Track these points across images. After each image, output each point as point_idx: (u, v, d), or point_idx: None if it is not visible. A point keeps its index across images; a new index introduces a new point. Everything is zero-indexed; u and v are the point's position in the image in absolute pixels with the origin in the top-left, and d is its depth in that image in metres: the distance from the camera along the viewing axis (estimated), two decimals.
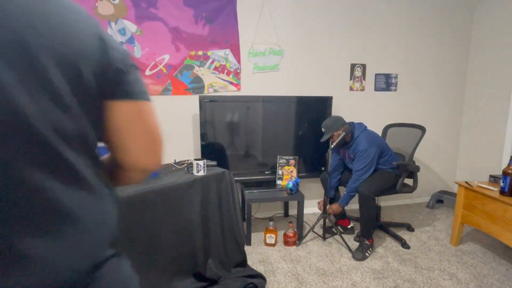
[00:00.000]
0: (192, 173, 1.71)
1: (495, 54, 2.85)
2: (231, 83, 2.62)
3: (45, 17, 0.45)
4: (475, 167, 3.10)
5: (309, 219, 2.79)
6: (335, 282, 1.81)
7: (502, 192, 1.90)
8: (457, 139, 3.27)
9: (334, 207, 2.26)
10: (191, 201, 1.61)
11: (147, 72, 2.44)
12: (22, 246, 0.44)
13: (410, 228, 2.55)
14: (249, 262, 1.95)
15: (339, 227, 2.46)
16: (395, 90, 3.01)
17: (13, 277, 0.44)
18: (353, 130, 2.21)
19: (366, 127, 2.28)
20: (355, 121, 2.32)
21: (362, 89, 2.93)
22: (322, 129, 2.23)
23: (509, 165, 1.87)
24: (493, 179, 2.17)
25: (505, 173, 1.88)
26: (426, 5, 2.94)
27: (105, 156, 0.63)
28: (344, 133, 2.14)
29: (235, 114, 2.47)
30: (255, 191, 2.40)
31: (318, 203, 2.37)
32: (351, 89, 2.91)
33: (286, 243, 2.28)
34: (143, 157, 0.59)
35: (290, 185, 2.32)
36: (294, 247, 2.26)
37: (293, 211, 2.92)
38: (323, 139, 2.20)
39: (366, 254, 2.10)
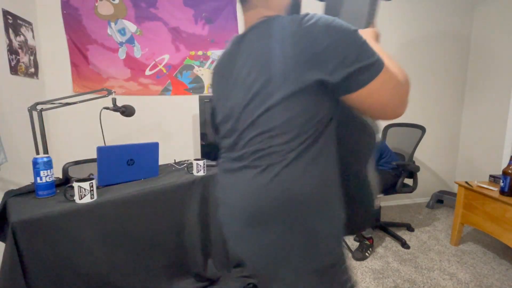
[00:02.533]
0: (192, 173, 1.71)
1: (495, 54, 2.85)
2: None
3: None
4: (475, 167, 3.10)
5: None
6: None
7: (502, 192, 1.90)
8: (457, 139, 3.27)
9: None
10: (191, 201, 1.61)
11: (147, 72, 2.44)
12: None
13: (410, 228, 2.55)
14: None
15: None
16: None
17: None
18: None
19: None
20: None
21: None
22: None
23: (509, 165, 1.87)
24: (493, 179, 2.17)
25: (505, 173, 1.88)
26: (426, 5, 2.94)
27: None
28: None
29: None
30: None
31: None
32: None
33: None
34: (389, 114, 0.63)
35: None
36: None
37: None
38: None
39: (366, 254, 2.10)
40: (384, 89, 0.59)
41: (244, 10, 0.72)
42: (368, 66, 0.57)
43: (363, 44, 0.58)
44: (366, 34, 0.71)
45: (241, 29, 2.56)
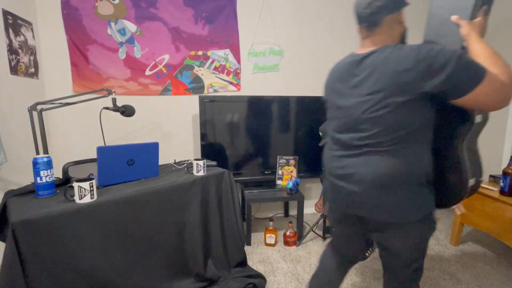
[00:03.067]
0: (192, 173, 1.71)
1: None
2: (231, 83, 2.62)
3: None
4: None
5: (309, 219, 2.79)
6: None
7: (502, 192, 1.90)
8: None
9: None
10: (191, 201, 1.61)
11: (147, 72, 2.44)
12: None
13: None
14: (249, 262, 1.95)
15: None
16: None
17: None
18: None
19: None
20: None
21: None
22: (320, 133, 2.23)
23: (509, 165, 1.87)
24: (493, 179, 2.17)
25: (505, 173, 1.88)
26: (426, 5, 2.94)
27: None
28: None
29: (235, 114, 2.46)
30: (255, 191, 2.40)
31: (316, 204, 2.36)
32: None
33: (286, 243, 2.28)
34: (494, 108, 0.83)
35: (290, 185, 2.32)
36: (294, 247, 2.26)
37: (293, 211, 2.91)
38: (321, 143, 2.21)
39: (366, 254, 2.10)
40: (486, 93, 0.79)
41: (367, 34, 0.99)
42: (470, 79, 0.79)
43: (466, 63, 0.79)
44: (471, 27, 0.92)
45: (241, 29, 2.56)
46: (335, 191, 1.06)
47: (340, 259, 1.27)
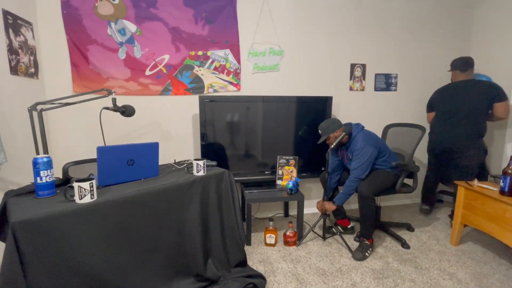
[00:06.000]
0: (192, 173, 1.71)
1: (495, 53, 2.85)
2: (231, 83, 2.62)
3: None
4: None
5: (309, 219, 2.79)
6: (335, 282, 1.81)
7: (502, 192, 1.90)
8: None
9: (328, 205, 2.25)
10: (191, 201, 1.61)
11: (147, 72, 2.44)
12: None
13: (410, 228, 2.55)
14: (249, 262, 1.95)
15: (339, 227, 2.46)
16: (395, 90, 3.01)
17: None
18: (351, 131, 2.21)
19: (363, 127, 2.27)
20: (354, 122, 2.32)
21: (362, 89, 2.93)
22: (319, 131, 2.24)
23: (509, 165, 1.87)
24: (493, 179, 2.17)
25: (505, 173, 1.88)
26: (426, 5, 2.94)
27: None
28: (344, 133, 2.14)
29: (235, 114, 2.46)
30: (255, 191, 2.40)
31: (318, 203, 2.36)
32: (351, 89, 2.91)
33: (286, 243, 2.28)
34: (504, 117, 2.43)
35: (290, 185, 2.32)
36: (294, 247, 2.26)
37: (293, 211, 2.92)
38: (320, 141, 2.21)
39: (366, 254, 2.10)
40: (503, 109, 2.39)
41: (458, 73, 2.54)
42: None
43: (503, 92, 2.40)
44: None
45: (241, 29, 2.56)
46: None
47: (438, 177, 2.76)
